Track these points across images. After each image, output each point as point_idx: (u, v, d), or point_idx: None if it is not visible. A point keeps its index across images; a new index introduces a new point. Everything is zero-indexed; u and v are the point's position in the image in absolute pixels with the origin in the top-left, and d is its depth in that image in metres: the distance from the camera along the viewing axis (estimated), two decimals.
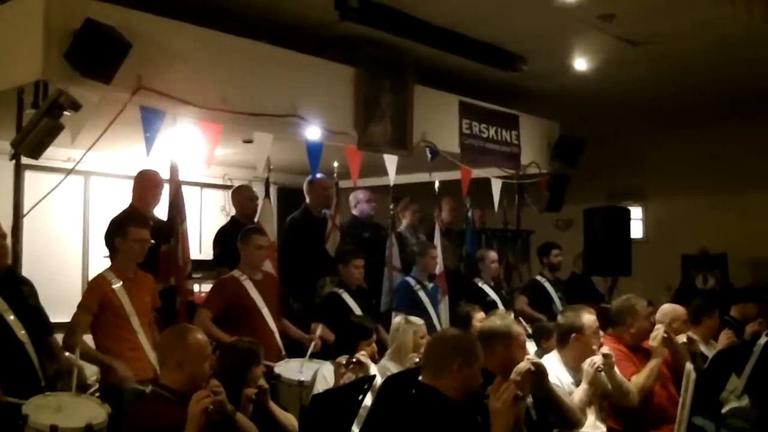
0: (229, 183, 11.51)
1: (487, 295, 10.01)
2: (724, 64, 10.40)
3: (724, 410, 7.67)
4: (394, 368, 6.79)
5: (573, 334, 6.01)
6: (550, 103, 11.77)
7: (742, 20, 8.30)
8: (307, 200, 9.67)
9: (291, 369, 6.88)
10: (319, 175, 9.47)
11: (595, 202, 12.46)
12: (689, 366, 5.67)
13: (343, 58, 9.04)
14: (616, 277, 11.97)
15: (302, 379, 6.66)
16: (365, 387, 4.98)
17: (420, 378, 4.73)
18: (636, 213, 14.42)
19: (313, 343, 7.41)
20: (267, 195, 9.11)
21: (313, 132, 8.51)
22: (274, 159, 9.08)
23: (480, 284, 10.18)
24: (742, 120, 13.28)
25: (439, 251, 9.76)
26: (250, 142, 8.68)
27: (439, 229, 10.17)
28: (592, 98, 11.80)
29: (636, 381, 6.42)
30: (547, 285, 10.70)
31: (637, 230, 14.41)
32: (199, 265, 8.99)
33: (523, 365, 5.06)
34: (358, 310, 8.44)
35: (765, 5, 8.10)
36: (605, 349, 6.00)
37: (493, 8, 8.59)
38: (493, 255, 10.47)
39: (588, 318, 6.09)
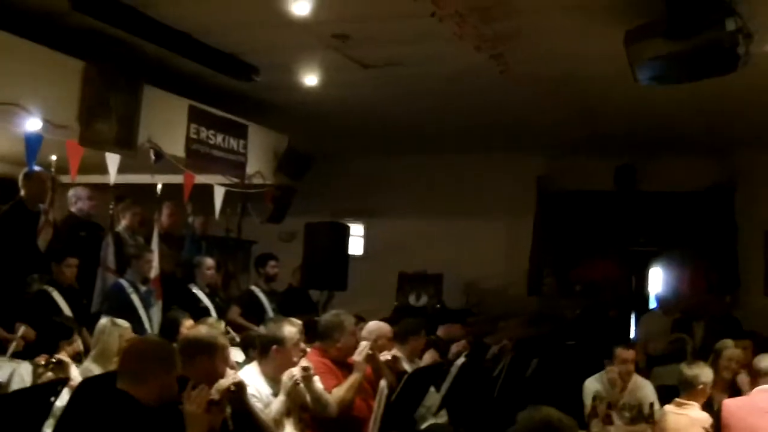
0: None
1: (200, 301, 9.95)
2: (448, 96, 10.86)
3: (422, 426, 8.01)
4: (97, 370, 6.66)
5: (274, 346, 6.02)
6: (281, 115, 11.87)
7: (468, 58, 8.67)
8: (22, 193, 9.25)
9: None
10: (36, 168, 9.12)
11: (320, 217, 12.65)
12: (383, 383, 5.89)
13: (73, 50, 8.79)
14: (332, 291, 12.19)
15: None
16: (58, 389, 4.88)
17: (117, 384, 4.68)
18: (357, 230, 14.77)
19: (14, 343, 7.18)
20: None
21: (33, 123, 8.23)
22: None
23: (194, 290, 10.08)
24: (459, 151, 13.95)
25: (155, 255, 9.66)
26: None
27: (158, 233, 10.07)
28: (323, 115, 12.01)
29: (336, 394, 6.54)
30: (262, 296, 10.73)
31: (357, 247, 14.75)
32: None
33: (223, 383, 5.05)
34: (67, 310, 8.28)
35: (492, 46, 8.48)
36: (304, 362, 6.10)
37: (231, 17, 8.59)
38: (209, 262, 10.39)
39: (290, 330, 6.12)
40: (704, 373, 6.89)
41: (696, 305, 12.67)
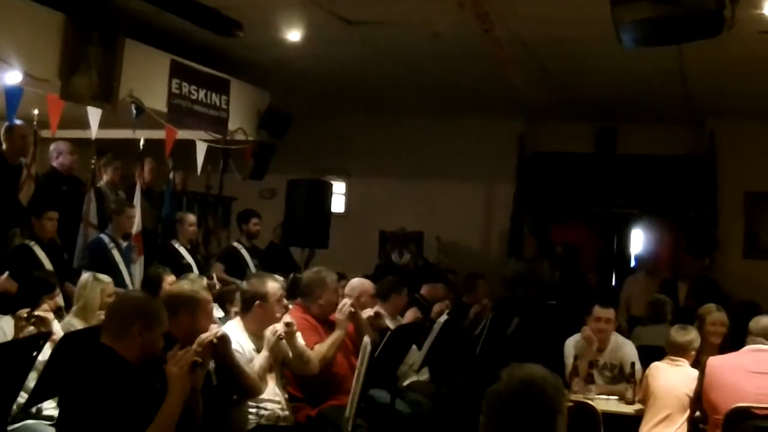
0: None
1: (182, 257, 9.97)
2: (434, 58, 10.75)
3: (405, 383, 8.05)
4: (79, 325, 6.66)
5: (257, 302, 6.00)
6: (263, 72, 11.76)
7: (455, 19, 8.60)
8: (3, 147, 9.21)
9: None
10: (17, 122, 9.06)
11: (301, 175, 12.59)
12: (366, 339, 5.90)
13: (53, 3, 8.67)
14: (313, 248, 12.17)
15: None
16: (40, 343, 4.87)
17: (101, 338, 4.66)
18: (339, 187, 14.74)
19: None
20: None
21: (13, 76, 8.14)
22: None
23: (177, 246, 10.10)
24: (440, 113, 13.93)
25: (138, 211, 9.62)
26: None
27: (140, 189, 10.01)
28: (305, 73, 11.91)
29: (318, 350, 6.57)
30: (244, 252, 10.73)
31: (339, 205, 14.73)
32: None
33: (205, 336, 5.04)
34: (48, 264, 8.23)
35: (475, 3, 8.42)
36: (287, 318, 6.08)
37: None
38: (191, 218, 10.41)
39: (272, 286, 6.09)
40: (697, 339, 6.98)
41: (679, 266, 12.77)
